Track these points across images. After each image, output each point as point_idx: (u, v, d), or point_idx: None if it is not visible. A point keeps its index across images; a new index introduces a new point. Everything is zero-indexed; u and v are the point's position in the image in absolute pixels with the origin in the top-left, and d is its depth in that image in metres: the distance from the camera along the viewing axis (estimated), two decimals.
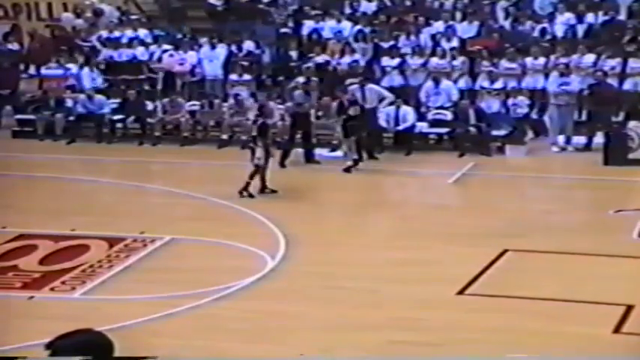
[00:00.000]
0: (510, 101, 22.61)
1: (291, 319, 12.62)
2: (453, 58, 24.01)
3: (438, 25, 25.49)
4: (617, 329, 12.25)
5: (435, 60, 24.14)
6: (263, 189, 18.40)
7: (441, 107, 22.74)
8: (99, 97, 24.30)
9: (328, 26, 26.10)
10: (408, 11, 26.56)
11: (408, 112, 22.46)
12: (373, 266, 14.64)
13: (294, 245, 15.43)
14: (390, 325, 12.42)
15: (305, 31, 26.33)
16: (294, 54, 25.42)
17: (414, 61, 24.33)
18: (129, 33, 26.61)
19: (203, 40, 25.78)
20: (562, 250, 15.27)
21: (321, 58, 24.85)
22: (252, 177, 18.31)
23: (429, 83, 23.21)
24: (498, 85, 23.13)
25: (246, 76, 24.71)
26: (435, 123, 22.63)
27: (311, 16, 26.61)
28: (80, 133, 23.66)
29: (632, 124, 21.22)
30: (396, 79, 24.07)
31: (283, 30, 26.53)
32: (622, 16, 24.79)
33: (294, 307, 13.02)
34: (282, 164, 20.80)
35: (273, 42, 26.10)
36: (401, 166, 21.11)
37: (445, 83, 23.18)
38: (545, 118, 22.70)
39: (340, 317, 12.68)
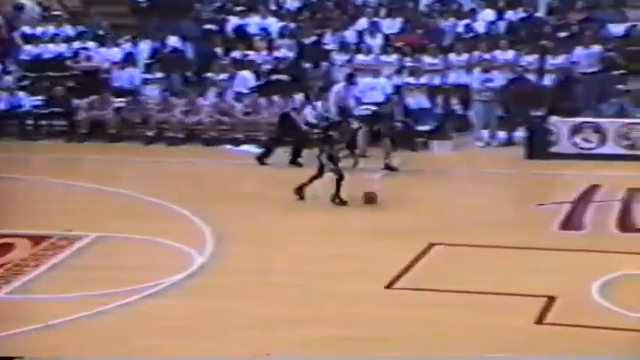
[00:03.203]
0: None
1: (224, 316, 12.67)
2: (386, 54, 24.27)
3: (363, 22, 25.71)
4: (539, 320, 12.52)
5: (360, 57, 24.37)
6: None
7: (376, 103, 22.95)
8: (21, 93, 24.09)
9: (254, 22, 26.17)
10: (333, 8, 26.75)
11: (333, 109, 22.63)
12: (303, 262, 14.75)
13: (225, 242, 15.49)
14: (321, 320, 12.54)
15: (230, 27, 26.37)
16: (219, 50, 25.45)
17: (340, 57, 24.53)
18: (51, 29, 26.40)
19: (126, 36, 25.69)
20: (487, 243, 15.56)
21: (243, 54, 24.91)
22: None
23: (367, 79, 23.44)
24: (423, 81, 23.44)
25: (159, 74, 24.66)
26: (363, 119, 22.82)
27: (236, 13, 26.65)
28: (3, 130, 23.42)
29: (553, 118, 21.67)
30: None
31: (208, 26, 26.54)
32: (540, 13, 25.25)
33: (227, 303, 13.08)
34: (262, 161, 20.75)
35: (198, 38, 26.10)
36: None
37: (380, 79, 23.41)
38: (470, 113, 23.06)
39: (271, 314, 12.76)
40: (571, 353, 11.40)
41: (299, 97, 22.90)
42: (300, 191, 17.94)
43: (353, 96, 22.11)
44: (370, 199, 17.81)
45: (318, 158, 17.73)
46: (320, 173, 17.80)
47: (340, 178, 17.59)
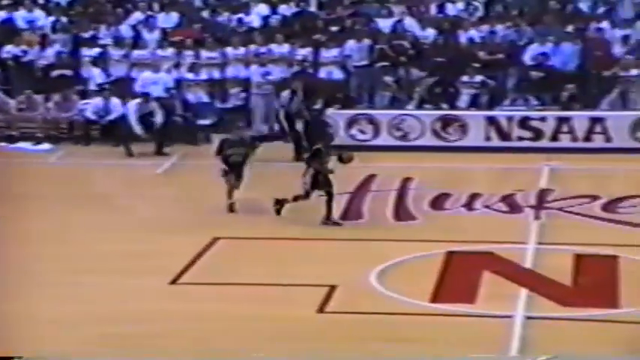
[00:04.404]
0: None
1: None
2: (162, 48, 24.21)
3: (138, 16, 25.54)
4: (321, 309, 12.90)
5: (137, 51, 24.23)
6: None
7: (158, 98, 22.84)
8: None
9: (20, 16, 25.49)
10: (105, 1, 26.38)
11: (116, 103, 22.49)
12: (86, 260, 14.66)
13: (2, 244, 15.18)
14: (105, 318, 12.50)
15: None
16: None
17: (116, 52, 24.31)
18: None
19: None
20: (270, 235, 15.88)
21: (17, 50, 24.32)
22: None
23: (147, 73, 23.29)
24: (203, 76, 23.52)
25: None
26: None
27: (2, 6, 25.90)
28: None
29: (329, 111, 22.20)
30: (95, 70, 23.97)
31: None
32: (312, 8, 25.78)
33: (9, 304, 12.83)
34: None
35: None
36: (110, 158, 21.12)
37: (162, 74, 23.33)
38: (250, 106, 23.32)
39: (54, 312, 12.62)
40: (353, 340, 11.82)
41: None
42: (279, 207, 16.83)
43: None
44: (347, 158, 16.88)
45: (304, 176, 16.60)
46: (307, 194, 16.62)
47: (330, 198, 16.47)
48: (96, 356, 11.41)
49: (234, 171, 17.14)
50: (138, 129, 21.73)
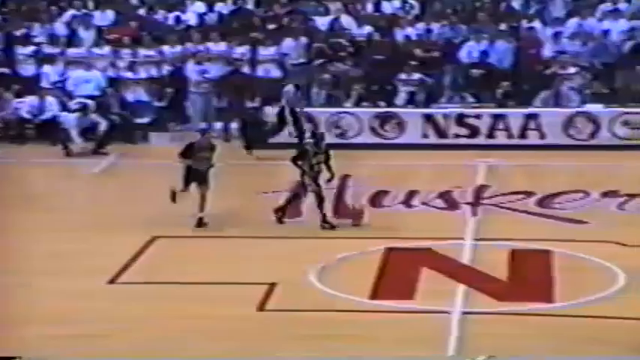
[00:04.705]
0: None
1: None
2: (98, 46, 24.06)
3: (73, 13, 25.33)
4: (261, 307, 12.95)
5: (72, 50, 24.06)
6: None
7: (91, 96, 22.69)
8: None
9: None
10: None
11: (52, 102, 22.33)
12: (22, 260, 14.55)
13: None
14: (44, 319, 12.44)
15: None
16: None
17: (51, 50, 24.12)
18: None
19: None
20: (210, 234, 15.89)
21: None
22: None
23: (79, 72, 23.13)
24: (142, 74, 23.42)
25: None
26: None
27: None
28: None
29: (268, 109, 22.22)
30: (30, 69, 23.77)
31: None
32: (250, 6, 25.78)
33: None
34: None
35: None
36: (47, 157, 20.96)
37: (94, 72, 23.19)
38: (187, 105, 23.28)
39: None
40: (293, 338, 11.89)
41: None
42: (280, 212, 16.42)
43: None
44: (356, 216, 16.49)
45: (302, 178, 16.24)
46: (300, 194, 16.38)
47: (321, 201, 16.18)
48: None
49: (198, 177, 16.29)
50: (79, 140, 21.52)
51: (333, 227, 16.09)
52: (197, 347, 11.62)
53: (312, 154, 16.28)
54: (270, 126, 21.79)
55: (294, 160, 16.33)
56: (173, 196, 16.19)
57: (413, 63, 23.18)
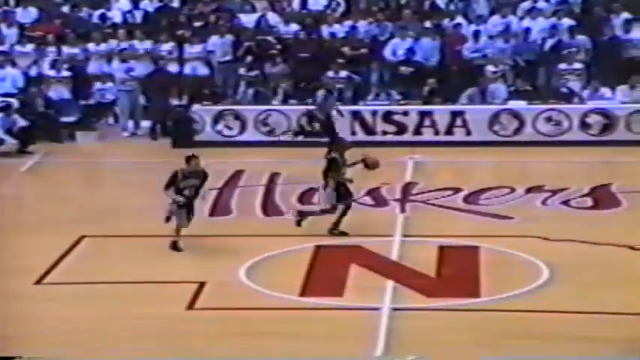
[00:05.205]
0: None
1: None
2: (20, 44, 23.79)
3: None
4: (190, 306, 12.93)
5: None
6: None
7: (7, 94, 22.43)
8: None
9: None
10: None
11: None
12: None
13: None
14: None
15: None
16: None
17: None
18: None
19: None
20: (137, 233, 15.80)
21: None
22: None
23: None
24: (65, 72, 23.20)
25: None
26: None
27: None
28: None
29: (195, 107, 22.18)
30: None
31: None
32: (175, 3, 25.67)
33: None
34: None
35: None
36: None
37: (9, 70, 22.92)
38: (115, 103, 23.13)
39: None
40: (223, 336, 11.90)
41: None
42: (301, 218, 15.82)
43: None
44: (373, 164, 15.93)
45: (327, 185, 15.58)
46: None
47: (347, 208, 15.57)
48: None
49: (186, 206, 14.88)
50: (9, 139, 21.25)
51: (344, 234, 15.46)
52: (126, 347, 11.57)
53: (341, 163, 15.71)
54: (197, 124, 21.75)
55: (325, 172, 15.63)
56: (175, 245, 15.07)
57: (340, 60, 23.24)
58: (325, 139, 18.89)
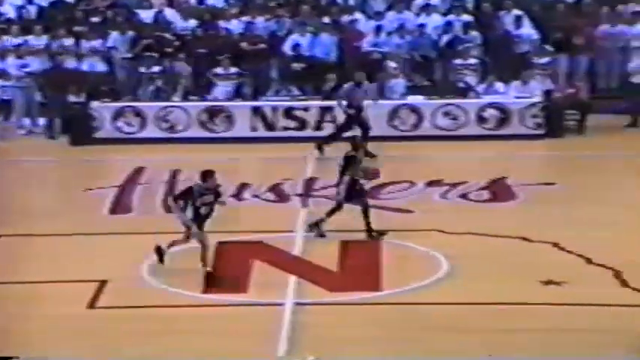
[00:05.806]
0: None
1: None
2: None
3: None
4: (91, 305, 12.84)
5: None
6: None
7: None
8: None
9: None
10: None
11: None
12: None
13: None
14: None
15: None
16: None
17: None
18: None
19: None
20: (40, 232, 15.61)
21: None
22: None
23: None
24: None
25: None
26: None
27: None
28: None
29: (94, 103, 21.96)
30: None
31: None
32: None
33: None
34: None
35: None
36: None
37: None
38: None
39: None
40: (125, 335, 11.84)
41: None
42: (317, 226, 15.41)
43: None
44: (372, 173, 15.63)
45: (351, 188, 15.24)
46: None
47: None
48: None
49: (201, 222, 13.75)
50: None
51: (383, 234, 15.25)
52: (29, 347, 11.44)
53: (358, 161, 15.49)
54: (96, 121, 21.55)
55: (342, 171, 15.35)
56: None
57: (239, 56, 23.23)
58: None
